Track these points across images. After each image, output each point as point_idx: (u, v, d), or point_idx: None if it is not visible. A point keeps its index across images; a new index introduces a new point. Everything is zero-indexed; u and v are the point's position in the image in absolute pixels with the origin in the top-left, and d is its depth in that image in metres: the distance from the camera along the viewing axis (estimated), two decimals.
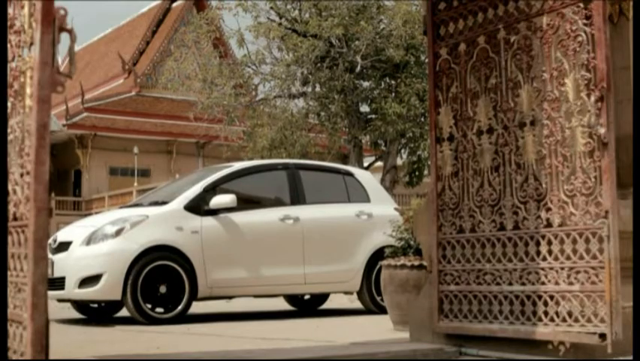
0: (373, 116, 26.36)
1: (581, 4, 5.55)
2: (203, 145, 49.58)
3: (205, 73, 28.80)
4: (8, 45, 4.71)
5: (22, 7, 4.58)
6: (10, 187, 4.47)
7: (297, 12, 26.73)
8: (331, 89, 25.55)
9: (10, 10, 4.73)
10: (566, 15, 5.65)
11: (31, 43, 4.42)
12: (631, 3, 5.99)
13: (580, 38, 5.54)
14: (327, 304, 12.39)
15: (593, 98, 5.42)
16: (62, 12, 4.36)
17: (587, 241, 5.41)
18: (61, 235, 9.95)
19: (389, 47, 25.34)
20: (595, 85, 5.40)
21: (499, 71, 6.16)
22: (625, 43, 5.99)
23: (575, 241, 5.50)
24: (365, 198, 11.27)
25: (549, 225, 5.70)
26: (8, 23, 4.69)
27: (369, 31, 24.98)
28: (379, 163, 29.34)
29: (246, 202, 10.43)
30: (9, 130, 4.58)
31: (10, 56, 4.68)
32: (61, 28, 4.35)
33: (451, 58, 6.55)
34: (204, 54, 41.35)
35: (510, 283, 5.92)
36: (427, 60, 7.64)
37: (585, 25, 5.51)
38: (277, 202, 10.73)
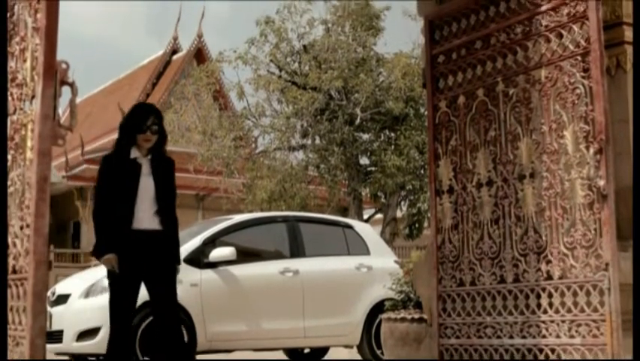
0: (373, 168, 26.37)
1: (579, 57, 5.59)
2: (202, 197, 49.50)
3: (205, 125, 28.87)
4: (10, 98, 4.73)
5: (25, 61, 4.61)
6: (9, 240, 4.47)
7: (296, 65, 26.89)
8: (331, 141, 25.60)
9: (12, 64, 4.76)
10: (564, 68, 5.69)
11: (33, 97, 4.45)
12: (628, 56, 6.03)
13: (578, 91, 5.57)
14: (327, 358, 12.29)
15: (592, 151, 5.44)
16: (64, 66, 4.39)
17: (588, 293, 5.39)
18: (60, 288, 9.89)
19: (388, 100, 25.47)
20: (594, 137, 5.42)
21: (498, 124, 6.18)
22: (623, 96, 6.02)
23: (575, 294, 5.48)
24: (365, 250, 11.23)
25: (549, 277, 5.68)
26: (10, 76, 4.72)
27: (368, 84, 25.11)
28: (379, 215, 29.27)
29: (246, 255, 10.38)
30: (9, 183, 4.59)
31: (11, 109, 4.71)
32: (62, 81, 4.38)
33: (450, 110, 6.58)
34: (204, 106, 41.41)
35: (511, 337, 5.88)
36: (426, 113, 7.67)
37: (583, 77, 5.54)
38: (277, 255, 10.69)
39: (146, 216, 5.91)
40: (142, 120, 5.98)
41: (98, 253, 5.92)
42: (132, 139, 6.00)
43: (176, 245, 6.13)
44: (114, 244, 5.85)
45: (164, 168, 6.12)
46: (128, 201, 5.86)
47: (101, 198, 5.95)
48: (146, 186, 5.94)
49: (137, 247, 5.87)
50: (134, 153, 6.02)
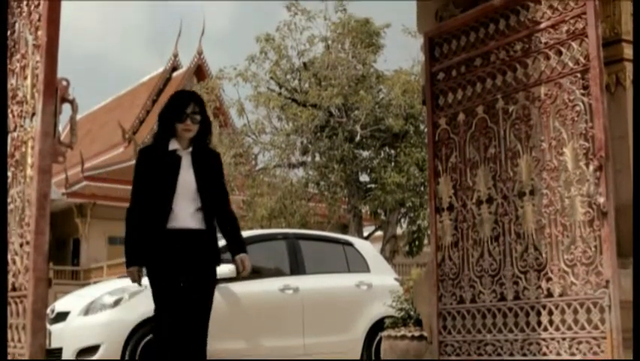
0: (373, 185, 26.40)
1: (579, 75, 5.60)
2: None
3: None
4: (10, 115, 4.74)
5: (25, 78, 4.62)
6: (9, 257, 4.46)
7: (296, 82, 26.97)
8: (331, 158, 25.63)
9: (12, 81, 4.77)
10: (564, 85, 5.70)
11: (33, 114, 4.45)
12: (628, 73, 6.04)
13: (578, 108, 5.58)
14: None
15: (591, 168, 5.44)
16: (64, 83, 4.40)
17: (589, 311, 5.38)
18: (59, 305, 9.87)
19: (388, 117, 25.52)
20: (593, 154, 5.42)
21: (498, 141, 6.18)
22: (622, 113, 6.03)
23: (576, 311, 5.47)
24: (365, 268, 11.21)
25: (550, 295, 5.67)
26: (11, 94, 4.73)
27: (368, 101, 25.16)
28: (379, 232, 29.27)
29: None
30: (9, 200, 4.59)
31: (11, 126, 4.71)
32: (63, 98, 4.39)
33: (450, 128, 6.58)
34: None
35: (511, 354, 5.87)
36: (426, 129, 7.67)
37: (583, 94, 5.55)
38: (277, 272, 10.66)
39: (185, 215, 5.29)
40: (181, 108, 5.38)
41: (126, 262, 5.45)
42: (171, 129, 5.39)
43: (215, 248, 5.49)
44: (141, 253, 5.33)
45: (208, 162, 5.49)
46: (164, 197, 5.27)
47: (135, 198, 5.39)
48: (187, 180, 5.33)
49: (174, 248, 5.27)
50: (174, 145, 5.40)
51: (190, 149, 5.43)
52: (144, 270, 5.47)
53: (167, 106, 5.47)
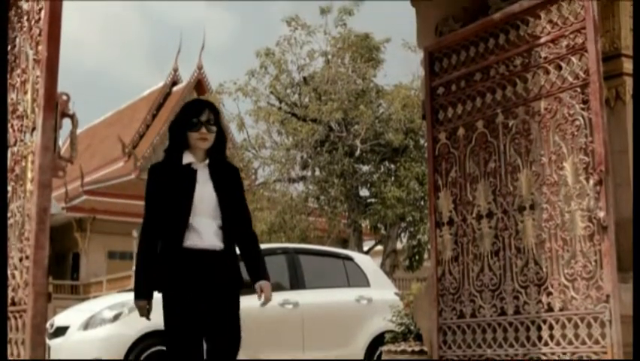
0: (373, 200, 26.38)
1: (578, 89, 5.61)
2: None
3: None
4: (10, 129, 4.74)
5: (25, 93, 4.62)
6: (9, 271, 4.46)
7: (296, 96, 26.98)
8: (331, 173, 25.63)
9: (12, 96, 4.77)
10: (564, 99, 5.70)
11: (34, 128, 4.46)
12: (627, 88, 6.05)
13: (577, 122, 5.58)
14: None
15: (591, 182, 5.44)
16: (65, 97, 4.41)
17: (589, 325, 5.37)
18: (59, 320, 9.85)
19: (388, 131, 25.52)
20: (593, 169, 5.42)
21: (498, 155, 6.18)
22: (622, 127, 6.03)
23: (576, 326, 5.46)
24: (365, 282, 11.20)
25: (550, 309, 5.66)
26: (11, 108, 4.73)
27: (368, 116, 25.17)
28: (379, 247, 29.23)
29: (245, 286, 10.33)
30: (9, 214, 4.58)
31: (12, 141, 4.71)
32: (63, 113, 4.39)
33: (450, 142, 6.59)
34: None
35: None
36: (426, 144, 7.68)
37: (582, 109, 5.55)
38: (276, 287, 10.61)
39: (203, 233, 4.69)
40: (195, 116, 4.74)
41: (135, 293, 4.73)
42: (184, 141, 4.75)
43: (236, 268, 4.94)
44: (151, 284, 4.67)
45: (228, 176, 4.90)
46: (181, 214, 4.66)
47: (148, 219, 4.76)
48: (204, 196, 4.72)
49: (193, 270, 4.66)
50: (188, 158, 4.78)
51: (206, 161, 4.82)
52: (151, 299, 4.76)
53: (179, 115, 4.85)
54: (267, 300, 5.07)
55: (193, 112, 4.76)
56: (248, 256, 5.08)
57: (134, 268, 4.81)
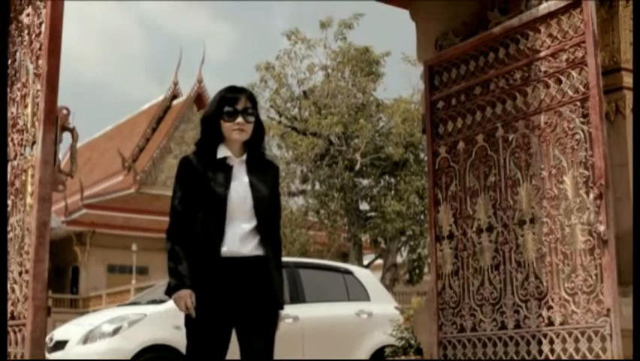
0: (373, 213, 26.41)
1: (578, 103, 5.61)
2: None
3: None
4: (10, 143, 4.74)
5: (26, 107, 4.62)
6: (8, 285, 4.45)
7: (296, 110, 27.06)
8: (331, 186, 25.66)
9: (13, 109, 4.77)
10: (564, 113, 5.70)
11: (34, 142, 4.45)
12: (627, 101, 6.06)
13: (577, 136, 5.58)
14: None
15: (591, 196, 5.43)
16: (65, 111, 4.40)
17: (590, 339, 5.35)
18: (58, 334, 9.84)
19: (388, 145, 25.58)
20: (593, 182, 5.42)
21: (498, 169, 6.18)
22: (622, 141, 6.04)
23: (577, 340, 5.44)
24: (365, 296, 11.19)
25: (551, 323, 5.64)
26: (11, 122, 4.73)
27: (368, 129, 25.23)
28: (379, 261, 29.25)
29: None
30: (9, 228, 4.58)
31: (12, 155, 4.71)
32: (63, 127, 4.39)
33: (450, 156, 6.59)
34: None
35: None
36: (426, 158, 7.68)
37: (582, 123, 5.55)
38: None
39: (239, 238, 4.10)
40: (231, 104, 4.19)
41: (170, 289, 4.11)
42: (218, 132, 4.22)
43: (278, 282, 4.24)
44: (191, 277, 4.07)
45: (267, 174, 4.30)
46: (214, 217, 4.10)
47: (175, 217, 4.16)
48: (240, 195, 4.14)
49: (228, 280, 4.06)
50: (223, 152, 4.22)
51: (244, 156, 4.26)
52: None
53: (212, 103, 4.29)
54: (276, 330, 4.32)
55: (228, 100, 4.21)
56: (271, 269, 4.26)
57: (168, 265, 4.12)
